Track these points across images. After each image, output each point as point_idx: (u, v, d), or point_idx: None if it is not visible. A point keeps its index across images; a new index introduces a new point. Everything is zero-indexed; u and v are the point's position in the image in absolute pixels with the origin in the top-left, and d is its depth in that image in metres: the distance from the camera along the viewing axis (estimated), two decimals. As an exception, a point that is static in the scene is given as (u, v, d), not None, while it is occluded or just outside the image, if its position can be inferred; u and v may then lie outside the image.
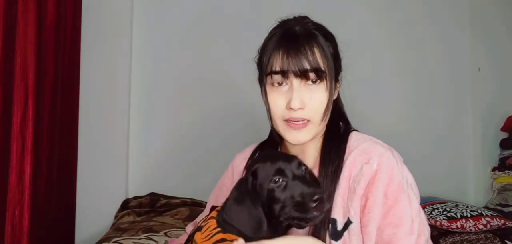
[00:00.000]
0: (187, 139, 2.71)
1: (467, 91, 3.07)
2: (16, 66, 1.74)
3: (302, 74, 0.94)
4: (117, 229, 2.11)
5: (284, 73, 0.95)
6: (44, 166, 1.92)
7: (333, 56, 0.99)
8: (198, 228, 0.95)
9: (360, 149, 0.98)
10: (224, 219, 0.89)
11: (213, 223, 0.91)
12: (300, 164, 0.91)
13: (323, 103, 0.97)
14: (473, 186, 3.02)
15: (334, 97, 1.03)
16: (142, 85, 2.73)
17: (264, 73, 1.00)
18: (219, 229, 0.89)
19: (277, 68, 0.96)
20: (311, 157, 1.05)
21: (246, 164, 1.11)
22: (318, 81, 0.96)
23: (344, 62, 1.07)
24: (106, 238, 1.96)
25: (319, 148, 1.04)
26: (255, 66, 1.06)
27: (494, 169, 2.92)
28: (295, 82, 0.95)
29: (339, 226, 0.95)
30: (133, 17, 2.72)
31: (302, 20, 1.01)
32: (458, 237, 2.20)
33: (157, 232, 1.96)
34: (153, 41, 2.75)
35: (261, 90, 1.03)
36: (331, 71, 0.97)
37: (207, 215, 0.99)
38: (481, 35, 3.05)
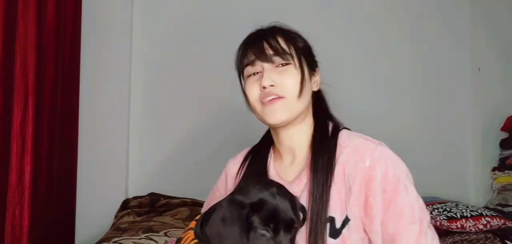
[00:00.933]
0: (187, 139, 2.70)
1: (467, 91, 3.07)
2: (16, 66, 1.74)
3: (267, 58, 1.02)
4: (117, 229, 2.11)
5: (252, 62, 1.04)
6: (44, 166, 1.92)
7: (301, 47, 1.06)
8: (178, 240, 0.94)
9: (352, 147, 1.00)
10: (204, 232, 0.84)
11: (191, 234, 0.90)
12: (294, 213, 0.85)
13: (294, 82, 1.02)
14: (473, 186, 3.02)
15: (314, 88, 1.09)
16: (142, 85, 2.73)
17: (240, 72, 1.10)
18: (196, 241, 0.87)
19: (245, 61, 1.05)
20: (301, 158, 1.07)
21: (238, 170, 1.15)
22: (287, 64, 1.03)
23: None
24: (106, 238, 1.96)
25: (309, 145, 1.05)
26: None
27: (494, 169, 2.92)
28: (266, 66, 1.03)
29: (338, 224, 0.95)
30: (133, 17, 2.72)
31: (272, 25, 1.10)
32: (458, 237, 2.20)
33: (157, 232, 1.95)
34: (153, 42, 2.75)
35: (241, 85, 1.12)
36: (298, 53, 1.04)
37: (187, 227, 0.97)
38: (481, 35, 3.05)
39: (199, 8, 2.78)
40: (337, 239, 0.95)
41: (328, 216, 0.96)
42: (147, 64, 2.73)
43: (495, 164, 2.95)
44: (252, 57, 1.04)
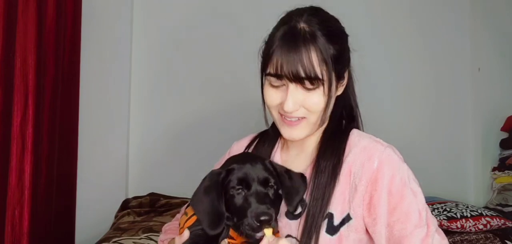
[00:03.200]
0: (187, 139, 2.70)
1: (467, 91, 3.07)
2: (16, 66, 1.74)
3: (297, 80, 0.94)
4: (117, 229, 2.11)
5: (279, 77, 0.95)
6: (44, 166, 1.92)
7: (334, 58, 0.96)
8: (185, 214, 1.00)
9: (361, 147, 0.98)
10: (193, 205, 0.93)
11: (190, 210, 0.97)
12: (268, 173, 0.92)
13: (319, 106, 0.97)
14: (473, 186, 3.02)
15: (339, 93, 1.03)
16: (142, 85, 2.72)
17: (263, 69, 1.01)
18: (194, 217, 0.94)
19: (272, 70, 0.96)
20: (309, 152, 1.05)
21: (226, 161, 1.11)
22: (314, 86, 0.95)
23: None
24: (106, 238, 1.96)
25: (318, 144, 1.04)
26: (258, 59, 1.05)
27: (494, 169, 2.92)
28: (291, 85, 0.95)
29: (336, 221, 0.95)
30: (133, 17, 2.72)
31: (309, 17, 0.97)
32: (458, 237, 2.20)
33: (157, 232, 1.95)
34: (153, 41, 2.75)
35: (261, 79, 1.04)
36: (330, 75, 0.95)
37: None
38: (481, 35, 3.05)
39: (199, 6, 2.78)
40: (334, 236, 0.94)
41: (327, 212, 0.95)
42: (147, 64, 2.73)
43: (495, 164, 2.95)
44: (280, 72, 0.94)
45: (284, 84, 0.96)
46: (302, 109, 0.97)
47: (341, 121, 1.07)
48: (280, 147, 1.11)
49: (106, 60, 2.58)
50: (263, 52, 1.01)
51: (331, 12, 1.03)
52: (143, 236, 1.90)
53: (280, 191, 0.94)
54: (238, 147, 1.17)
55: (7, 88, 1.69)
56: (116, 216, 2.38)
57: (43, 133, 1.91)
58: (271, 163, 0.97)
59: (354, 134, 1.03)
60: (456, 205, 2.36)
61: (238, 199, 0.90)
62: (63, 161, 2.16)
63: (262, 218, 0.86)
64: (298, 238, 0.95)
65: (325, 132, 1.05)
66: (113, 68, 2.61)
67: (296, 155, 1.08)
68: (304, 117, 0.98)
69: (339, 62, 0.98)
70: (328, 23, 0.98)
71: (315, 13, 0.99)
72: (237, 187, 0.90)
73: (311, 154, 1.04)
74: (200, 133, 2.69)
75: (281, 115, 0.99)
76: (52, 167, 2.03)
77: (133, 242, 1.84)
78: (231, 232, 0.92)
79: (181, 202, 2.41)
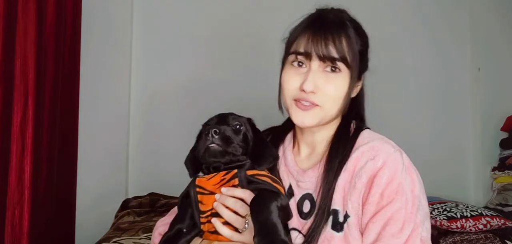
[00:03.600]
0: (188, 139, 2.70)
1: (467, 91, 3.07)
2: (16, 66, 1.74)
3: (326, 59, 0.94)
4: (117, 229, 2.11)
5: (307, 55, 0.96)
6: (44, 166, 1.92)
7: (360, 53, 0.98)
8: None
9: (369, 145, 0.97)
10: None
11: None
12: (237, 118, 1.04)
13: (337, 92, 0.96)
14: (473, 186, 3.02)
15: (353, 94, 1.02)
16: (142, 85, 2.73)
17: (287, 52, 1.01)
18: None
19: (301, 49, 0.96)
20: (319, 151, 1.04)
21: None
22: (338, 70, 0.95)
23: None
24: (106, 238, 1.96)
25: (329, 143, 1.03)
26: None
27: (494, 169, 2.92)
28: (314, 65, 0.96)
29: (341, 218, 0.94)
30: (133, 17, 2.72)
31: (338, 11, 1.01)
32: (458, 237, 2.20)
33: (157, 232, 1.95)
34: (153, 41, 2.75)
35: (281, 64, 1.04)
36: (355, 64, 0.96)
37: None
38: (481, 35, 3.05)
39: (199, 6, 2.78)
40: (340, 233, 0.93)
41: (332, 208, 0.94)
42: (147, 64, 2.73)
43: (495, 164, 2.95)
44: (309, 49, 0.95)
45: (306, 67, 0.97)
46: (319, 94, 0.96)
47: (351, 122, 1.05)
48: (291, 147, 1.09)
49: (106, 59, 2.58)
50: (290, 34, 1.02)
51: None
52: (143, 236, 1.90)
53: (248, 136, 1.02)
54: None
55: (7, 88, 1.69)
56: (116, 216, 2.38)
57: (43, 133, 1.91)
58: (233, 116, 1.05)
59: (365, 133, 1.02)
60: (456, 205, 2.36)
61: (201, 140, 0.98)
62: (63, 161, 2.16)
63: (210, 122, 1.00)
64: (306, 233, 0.94)
65: (335, 134, 1.04)
66: (113, 68, 2.62)
67: (308, 155, 1.07)
68: (318, 105, 0.97)
69: (362, 60, 1.00)
70: (355, 21, 1.02)
71: (343, 11, 1.02)
72: (205, 131, 0.97)
73: (320, 154, 1.04)
74: (200, 133, 2.69)
75: (295, 101, 0.98)
76: (52, 167, 2.03)
77: (133, 242, 1.84)
78: (198, 181, 0.98)
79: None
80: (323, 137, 1.04)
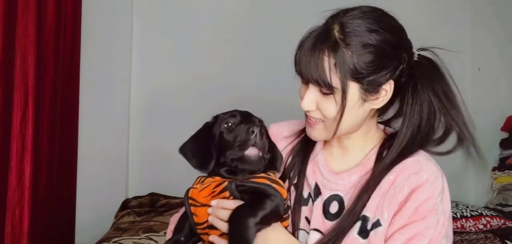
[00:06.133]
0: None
1: (467, 91, 3.06)
2: (16, 66, 1.74)
3: (310, 82, 0.93)
4: (117, 229, 2.11)
5: (299, 74, 0.95)
6: (44, 166, 1.92)
7: (355, 69, 0.89)
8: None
9: (413, 159, 0.96)
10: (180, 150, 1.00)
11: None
12: (256, 118, 0.98)
13: (331, 112, 0.93)
14: (473, 186, 3.02)
15: (376, 106, 0.95)
16: (142, 84, 2.73)
17: None
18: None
19: (297, 69, 0.95)
20: (354, 156, 1.02)
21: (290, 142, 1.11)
22: (329, 92, 0.91)
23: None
24: (106, 238, 1.96)
25: (366, 151, 1.01)
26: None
27: (494, 169, 2.92)
28: (310, 85, 0.94)
29: (369, 225, 0.93)
30: (133, 17, 2.72)
31: (347, 20, 0.92)
32: (458, 237, 2.20)
33: (157, 232, 1.96)
34: (153, 41, 2.75)
35: None
36: (344, 85, 0.89)
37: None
38: (481, 35, 3.05)
39: (199, 6, 2.78)
40: (365, 240, 0.92)
41: (362, 214, 0.93)
42: (147, 64, 2.73)
43: (495, 164, 2.95)
44: (298, 71, 0.94)
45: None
46: (318, 111, 0.94)
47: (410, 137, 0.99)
48: (321, 145, 1.07)
49: (106, 60, 2.58)
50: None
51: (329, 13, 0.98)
52: (143, 236, 1.90)
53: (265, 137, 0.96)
54: (278, 129, 1.14)
55: (7, 88, 1.69)
56: (116, 216, 2.38)
57: (43, 133, 1.92)
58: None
59: (418, 153, 0.98)
60: (456, 205, 2.36)
61: (227, 132, 0.94)
62: (63, 161, 2.16)
63: (252, 128, 0.91)
64: (328, 233, 0.94)
65: (383, 145, 1.00)
66: (113, 68, 2.62)
67: (341, 157, 1.04)
68: (322, 120, 0.95)
69: (368, 73, 0.90)
70: (365, 29, 0.92)
71: (358, 16, 0.93)
72: (229, 121, 0.95)
73: (357, 159, 1.01)
74: (200, 133, 2.69)
75: (306, 114, 0.98)
76: (52, 167, 2.03)
77: (133, 242, 1.84)
78: (191, 193, 0.97)
79: (181, 202, 2.41)
80: (356, 144, 1.02)
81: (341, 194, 0.98)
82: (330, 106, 0.92)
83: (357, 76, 0.90)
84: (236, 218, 0.87)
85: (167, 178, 2.64)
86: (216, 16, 2.78)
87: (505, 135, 2.95)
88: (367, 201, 0.93)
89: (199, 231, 0.95)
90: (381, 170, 0.95)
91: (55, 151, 2.05)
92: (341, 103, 0.91)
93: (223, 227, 0.90)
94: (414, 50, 1.06)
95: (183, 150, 1.02)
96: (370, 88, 0.92)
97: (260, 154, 0.92)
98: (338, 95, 0.90)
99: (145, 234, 1.91)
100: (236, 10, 2.79)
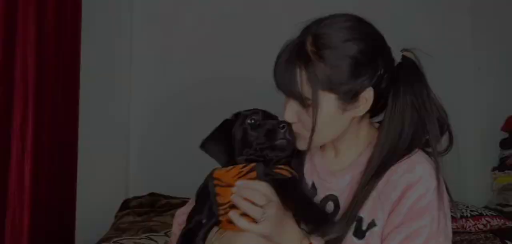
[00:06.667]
0: (188, 139, 2.70)
1: (467, 91, 3.06)
2: (16, 66, 1.74)
3: (287, 95, 0.95)
4: (117, 229, 2.11)
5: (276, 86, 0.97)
6: (44, 167, 1.92)
7: (328, 79, 0.89)
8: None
9: (410, 160, 0.95)
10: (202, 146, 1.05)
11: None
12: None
13: (309, 124, 0.93)
14: (473, 186, 3.02)
15: (356, 114, 0.95)
16: (142, 84, 2.73)
17: None
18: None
19: (274, 80, 0.97)
20: (346, 158, 1.03)
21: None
22: (305, 104, 0.92)
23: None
24: (106, 238, 1.97)
25: (359, 151, 1.01)
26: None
27: (494, 169, 2.92)
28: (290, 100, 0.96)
29: (364, 225, 0.94)
30: (133, 17, 2.72)
31: (322, 29, 0.92)
32: (458, 237, 2.20)
33: (157, 232, 1.96)
34: (153, 41, 2.76)
35: None
36: (316, 97, 0.90)
37: None
38: (481, 35, 3.05)
39: (199, 6, 2.78)
40: (361, 241, 0.93)
41: (358, 215, 0.94)
42: (147, 64, 2.73)
43: (495, 164, 2.95)
44: (275, 82, 0.96)
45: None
46: (300, 124, 0.95)
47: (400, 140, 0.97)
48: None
49: (106, 59, 2.58)
50: None
51: (323, 13, 0.98)
52: (143, 236, 1.90)
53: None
54: None
55: (7, 88, 1.69)
56: (116, 216, 2.38)
57: (43, 133, 1.91)
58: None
59: (413, 152, 0.97)
60: (456, 205, 2.36)
61: (251, 128, 0.98)
62: (63, 161, 2.16)
63: (282, 124, 0.94)
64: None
65: (380, 143, 0.98)
66: (113, 68, 2.62)
67: (333, 158, 1.05)
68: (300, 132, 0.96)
69: (343, 84, 0.90)
70: (337, 41, 0.92)
71: (331, 27, 0.94)
72: (252, 117, 0.98)
73: (350, 160, 1.02)
74: (202, 133, 2.68)
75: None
76: (52, 167, 2.03)
77: (133, 242, 1.84)
78: (216, 174, 0.98)
79: (181, 202, 2.41)
80: (348, 145, 1.02)
81: (336, 194, 0.99)
82: (307, 116, 0.93)
83: (332, 87, 0.90)
84: (288, 186, 0.94)
85: (167, 178, 2.65)
86: (217, 17, 2.78)
87: (505, 135, 2.95)
88: (361, 201, 0.94)
89: (220, 211, 0.96)
90: (373, 170, 0.96)
91: (55, 151, 2.05)
92: (313, 115, 0.91)
93: (245, 206, 0.90)
94: (400, 52, 1.09)
95: (205, 145, 1.06)
96: (347, 98, 0.92)
97: (290, 139, 0.95)
98: (313, 107, 0.91)
99: (145, 234, 1.91)
100: (237, 12, 2.79)
